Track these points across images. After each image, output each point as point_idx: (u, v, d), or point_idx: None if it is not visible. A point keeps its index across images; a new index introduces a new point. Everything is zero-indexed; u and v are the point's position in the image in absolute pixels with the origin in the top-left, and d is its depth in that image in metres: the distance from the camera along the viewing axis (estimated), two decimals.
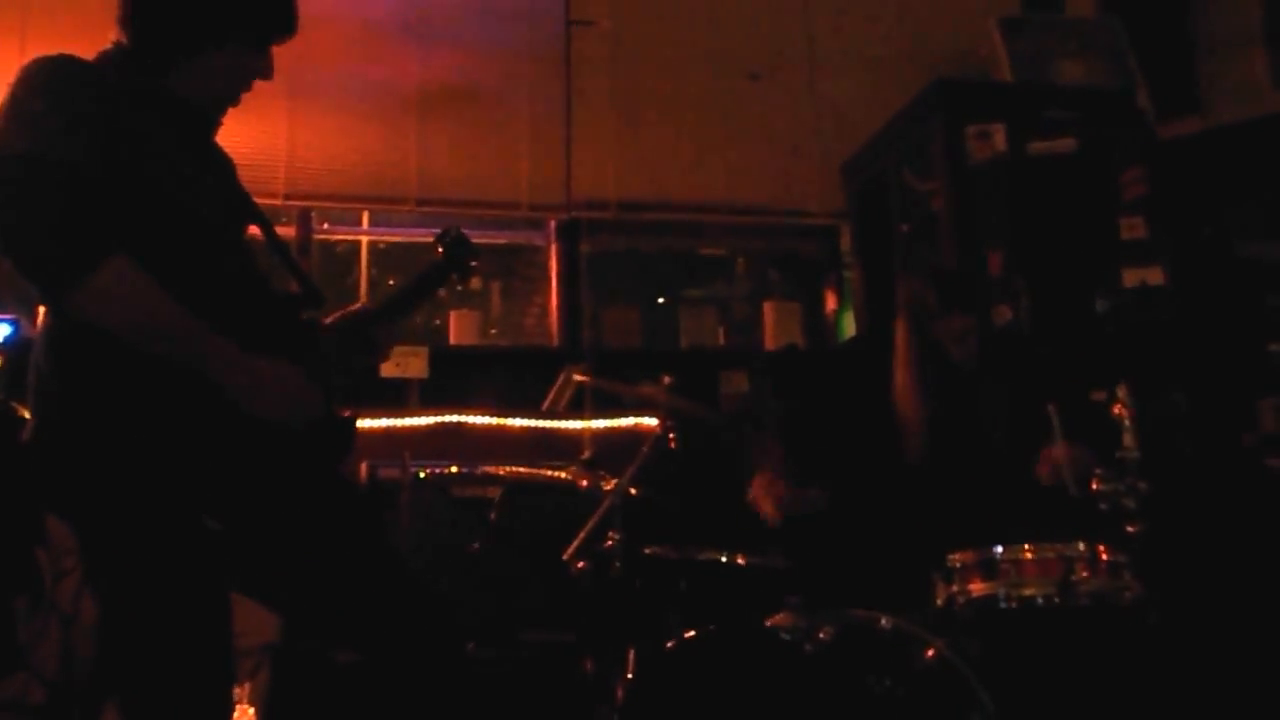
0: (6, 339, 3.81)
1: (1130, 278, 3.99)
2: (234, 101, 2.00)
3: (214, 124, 2.00)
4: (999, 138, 4.17)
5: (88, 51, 1.89)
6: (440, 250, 2.28)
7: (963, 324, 2.97)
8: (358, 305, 2.18)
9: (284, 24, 1.97)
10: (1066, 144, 4.14)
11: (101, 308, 1.69)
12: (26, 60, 1.79)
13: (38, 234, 1.66)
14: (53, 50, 1.82)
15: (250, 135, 4.46)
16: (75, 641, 2.92)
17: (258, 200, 2.08)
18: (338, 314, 2.13)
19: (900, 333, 3.04)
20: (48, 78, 1.77)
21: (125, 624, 1.80)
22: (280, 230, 4.63)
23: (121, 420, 1.73)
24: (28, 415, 1.83)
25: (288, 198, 4.64)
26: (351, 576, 1.92)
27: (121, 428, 1.73)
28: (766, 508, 2.93)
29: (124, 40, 1.89)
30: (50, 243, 1.66)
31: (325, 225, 4.94)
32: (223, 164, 2.03)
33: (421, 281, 2.28)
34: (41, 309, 1.91)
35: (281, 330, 1.93)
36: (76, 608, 2.92)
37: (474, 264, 2.31)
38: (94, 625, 2.82)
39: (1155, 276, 3.96)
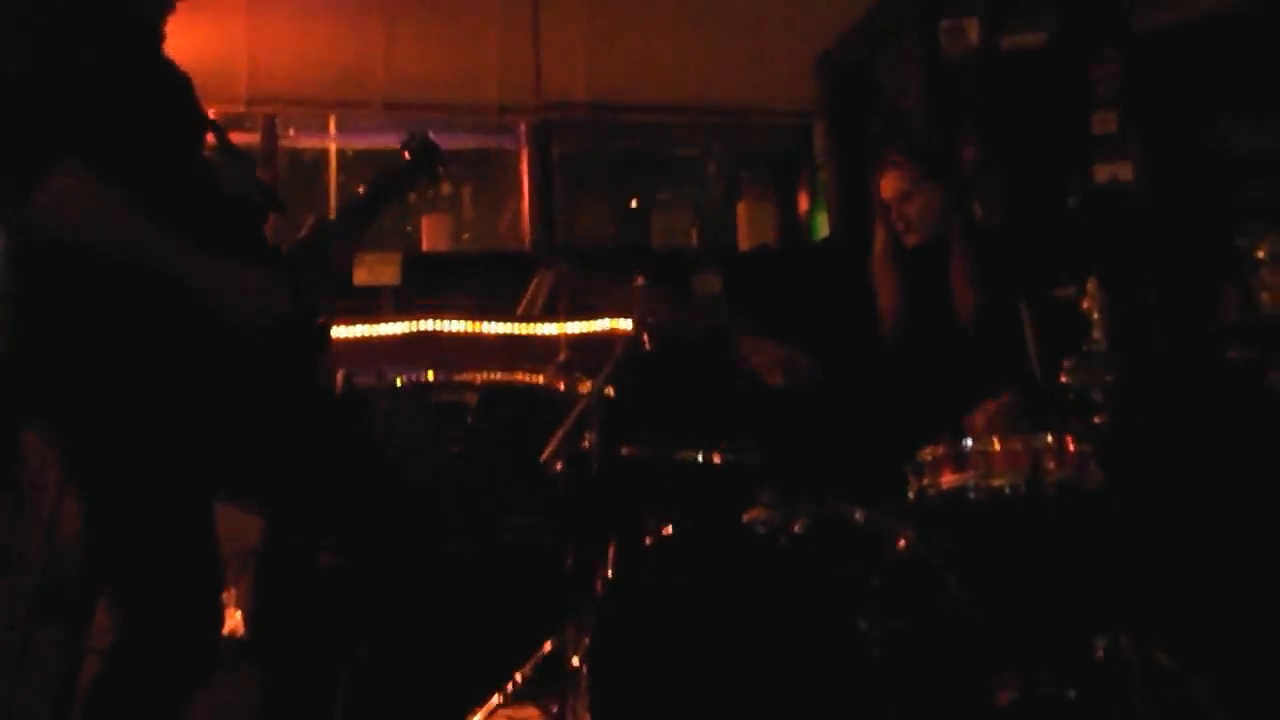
0: None
1: (1102, 173, 3.99)
2: (170, 10, 1.95)
3: (158, 33, 1.96)
4: (972, 33, 4.13)
5: None
6: (406, 155, 2.26)
7: (912, 179, 2.92)
8: (314, 218, 2.15)
9: None
10: (1037, 39, 4.10)
11: (54, 218, 1.67)
12: None
13: None
14: None
15: (210, 40, 4.34)
16: (59, 549, 2.95)
17: (219, 107, 2.05)
18: (303, 231, 2.11)
19: (878, 228, 3.04)
20: None
21: (110, 529, 1.83)
22: (244, 137, 4.60)
23: (89, 329, 1.74)
24: None
25: (250, 104, 4.54)
26: (330, 476, 1.95)
27: (90, 336, 1.74)
28: (763, 368, 2.92)
29: None
30: None
31: (291, 132, 4.85)
32: (173, 74, 2.00)
33: (387, 186, 2.26)
34: None
35: (242, 236, 1.92)
36: (56, 517, 2.95)
37: (440, 169, 2.30)
38: (76, 533, 2.85)
39: (1125, 172, 3.97)
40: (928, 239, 2.95)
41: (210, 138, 2.02)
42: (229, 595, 3.10)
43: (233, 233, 1.90)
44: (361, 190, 2.22)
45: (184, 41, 2.00)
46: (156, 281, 1.73)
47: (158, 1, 1.92)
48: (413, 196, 2.43)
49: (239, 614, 3.11)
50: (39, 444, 2.68)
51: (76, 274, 1.72)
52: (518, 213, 5.03)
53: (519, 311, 4.17)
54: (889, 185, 2.96)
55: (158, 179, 1.81)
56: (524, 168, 4.99)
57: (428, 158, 2.27)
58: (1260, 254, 3.73)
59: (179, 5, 1.97)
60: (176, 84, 2.00)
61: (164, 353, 1.75)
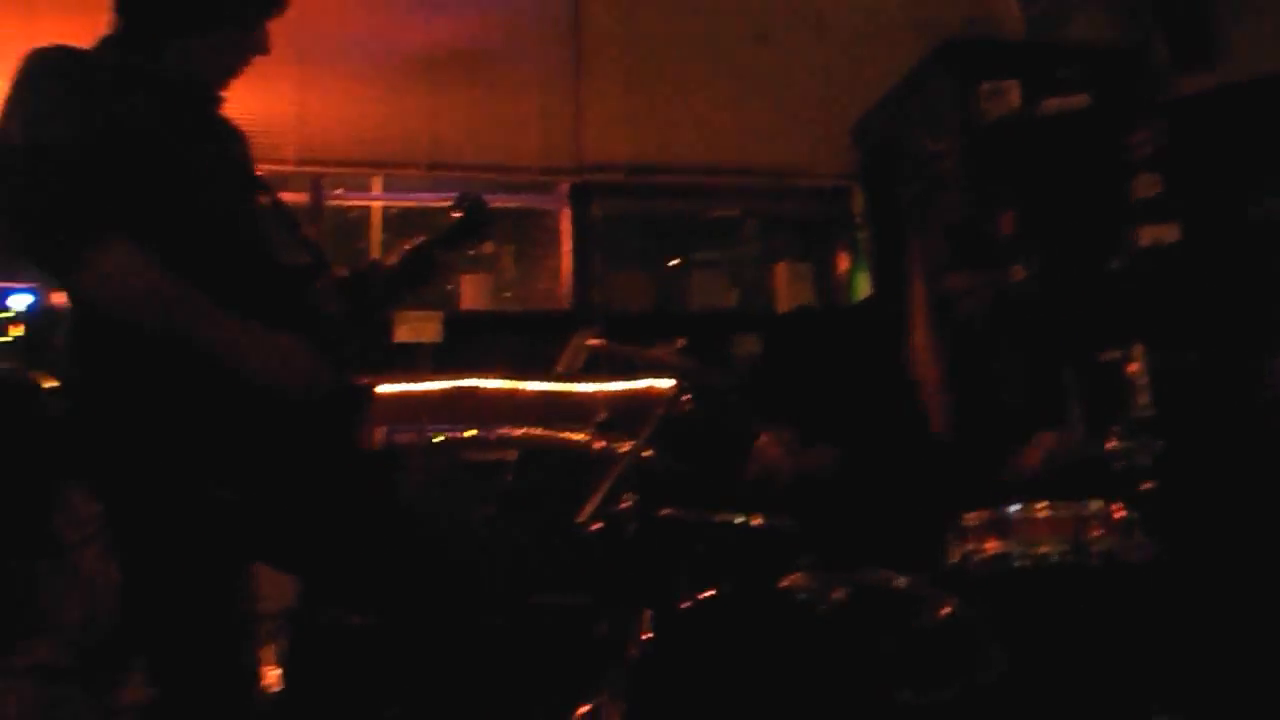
0: (28, 308, 3.83)
1: (1146, 236, 3.96)
2: (233, 76, 2.00)
3: (216, 98, 2.01)
4: (1012, 95, 4.14)
5: (95, 25, 1.90)
6: (457, 215, 2.28)
7: (974, 280, 2.93)
8: (368, 263, 2.18)
9: (275, 2, 1.98)
10: (1079, 101, 4.10)
11: (103, 289, 1.72)
12: (33, 34, 1.81)
13: (38, 221, 1.69)
14: (60, 23, 1.84)
15: (259, 101, 4.43)
16: (98, 607, 2.96)
17: (268, 167, 2.10)
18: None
19: (916, 292, 3.02)
20: (43, 68, 1.80)
21: (146, 591, 1.83)
22: (291, 197, 4.68)
23: (137, 396, 1.76)
24: (47, 384, 1.86)
25: (299, 163, 4.63)
26: (366, 543, 1.94)
27: (137, 403, 1.76)
28: (772, 467, 2.90)
29: (118, 25, 1.91)
30: (50, 229, 1.69)
31: (337, 191, 4.94)
32: (230, 137, 2.04)
33: (436, 244, 2.28)
34: None
35: (289, 303, 1.94)
36: (99, 573, 2.96)
37: (489, 229, 2.32)
38: (116, 591, 2.86)
39: (1171, 235, 3.93)
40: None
41: (263, 198, 2.06)
42: (264, 654, 3.09)
43: (282, 297, 1.92)
44: (409, 248, 2.23)
45: (234, 102, 2.05)
46: (201, 351, 1.76)
47: (219, 68, 1.97)
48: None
49: (274, 673, 3.10)
50: (85, 502, 2.71)
51: (127, 341, 1.75)
52: (557, 273, 5.06)
53: (557, 370, 4.18)
54: (968, 284, 2.92)
55: (209, 244, 1.84)
56: (564, 228, 5.03)
57: (478, 218, 2.29)
58: None
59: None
60: (233, 145, 2.04)
61: (208, 421, 1.77)
